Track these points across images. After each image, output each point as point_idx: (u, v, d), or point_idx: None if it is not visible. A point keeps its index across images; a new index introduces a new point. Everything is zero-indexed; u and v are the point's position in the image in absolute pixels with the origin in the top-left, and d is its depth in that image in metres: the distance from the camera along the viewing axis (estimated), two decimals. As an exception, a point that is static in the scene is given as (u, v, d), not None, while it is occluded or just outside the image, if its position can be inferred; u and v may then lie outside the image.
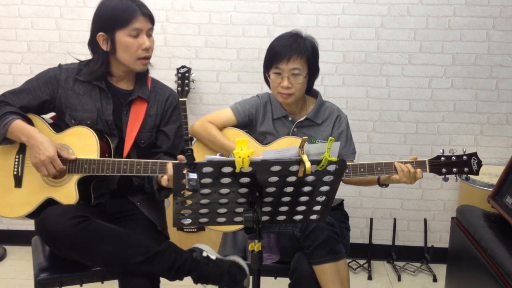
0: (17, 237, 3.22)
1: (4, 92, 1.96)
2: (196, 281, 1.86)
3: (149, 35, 1.92)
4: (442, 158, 1.91)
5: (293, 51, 1.93)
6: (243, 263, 1.87)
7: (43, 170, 1.82)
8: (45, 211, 1.79)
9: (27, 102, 1.94)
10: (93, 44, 1.94)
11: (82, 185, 1.89)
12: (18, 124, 1.86)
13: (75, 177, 1.87)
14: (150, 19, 1.92)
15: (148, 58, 1.93)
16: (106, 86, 1.96)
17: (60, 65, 2.00)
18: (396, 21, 2.96)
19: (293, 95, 1.99)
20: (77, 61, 2.03)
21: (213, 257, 1.88)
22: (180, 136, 2.09)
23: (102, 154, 1.88)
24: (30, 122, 1.93)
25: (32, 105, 1.95)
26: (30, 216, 1.92)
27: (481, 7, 2.91)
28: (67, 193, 1.87)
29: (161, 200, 2.04)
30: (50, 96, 1.96)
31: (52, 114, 2.06)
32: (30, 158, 1.85)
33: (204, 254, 1.88)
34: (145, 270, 1.78)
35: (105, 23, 1.88)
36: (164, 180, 1.82)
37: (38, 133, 1.85)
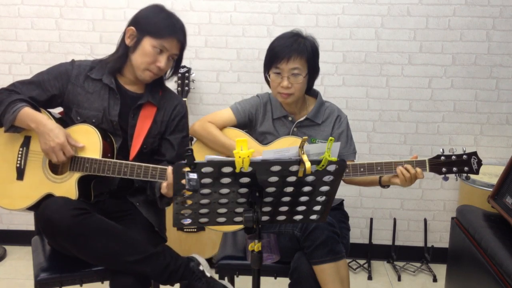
0: (17, 237, 3.22)
1: (14, 82, 1.96)
2: None
3: (171, 59, 1.95)
4: (442, 158, 1.91)
5: (293, 51, 1.93)
6: None
7: (53, 157, 1.84)
8: (47, 200, 1.81)
9: (36, 94, 1.95)
10: (123, 37, 1.98)
11: (83, 183, 1.90)
12: (27, 111, 1.87)
13: (76, 175, 1.88)
14: (181, 47, 1.95)
15: (156, 75, 1.94)
16: (115, 87, 1.97)
17: (73, 61, 2.01)
18: (396, 21, 2.96)
19: (292, 95, 1.99)
20: (91, 59, 2.04)
21: (208, 274, 1.88)
22: (185, 146, 2.08)
23: (104, 154, 1.88)
24: (38, 110, 1.93)
25: (40, 97, 1.95)
26: (30, 208, 1.94)
27: (481, 7, 2.91)
28: (67, 190, 1.88)
29: (162, 208, 2.03)
30: (59, 90, 1.96)
31: (60, 109, 2.06)
32: (40, 145, 1.86)
33: (201, 268, 1.88)
34: (138, 270, 1.78)
35: (145, 23, 1.91)
36: (163, 188, 1.82)
37: (48, 120, 1.86)
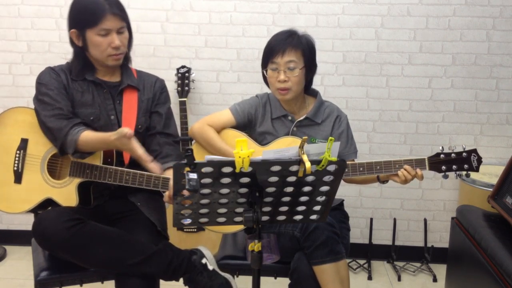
0: (17, 237, 3.22)
1: (47, 114, 1.88)
2: (185, 283, 1.87)
3: (120, 32, 1.92)
4: (442, 156, 1.91)
5: (288, 44, 1.97)
6: (234, 285, 1.89)
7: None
8: (40, 214, 1.80)
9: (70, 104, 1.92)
10: (71, 40, 1.97)
11: (82, 187, 1.90)
12: (87, 135, 1.82)
13: (76, 181, 1.87)
14: (122, 17, 1.91)
15: (119, 54, 1.94)
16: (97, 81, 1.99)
17: (50, 68, 1.98)
18: (396, 21, 2.96)
19: (290, 90, 2.00)
20: (63, 63, 2.03)
21: (210, 267, 1.88)
22: (171, 116, 2.12)
23: (105, 159, 1.88)
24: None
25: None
26: (29, 211, 1.94)
27: (481, 7, 2.91)
28: (67, 195, 1.87)
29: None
30: (67, 98, 1.94)
31: None
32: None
33: (203, 261, 1.88)
34: (142, 271, 1.78)
35: (77, 21, 1.91)
36: (166, 197, 1.83)
37: (107, 134, 1.80)
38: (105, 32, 1.88)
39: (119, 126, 1.98)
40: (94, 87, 1.98)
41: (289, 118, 2.09)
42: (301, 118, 2.09)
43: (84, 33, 1.90)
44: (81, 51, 1.96)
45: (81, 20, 1.90)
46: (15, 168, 1.94)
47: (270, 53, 1.99)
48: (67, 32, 1.95)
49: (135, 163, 1.97)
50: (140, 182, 1.84)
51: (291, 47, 1.96)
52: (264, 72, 2.04)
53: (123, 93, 2.03)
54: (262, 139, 2.10)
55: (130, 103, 2.02)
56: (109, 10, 1.87)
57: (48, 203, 1.92)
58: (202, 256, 1.90)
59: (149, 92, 2.08)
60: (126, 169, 1.85)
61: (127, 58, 2.06)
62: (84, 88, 1.97)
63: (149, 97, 2.07)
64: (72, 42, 1.97)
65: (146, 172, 1.84)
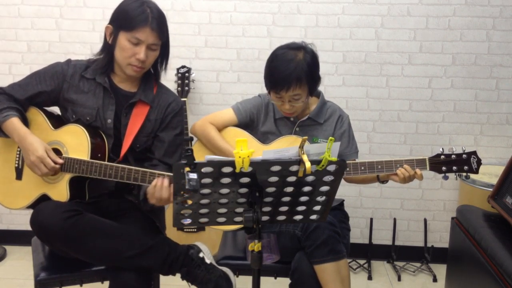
0: (17, 237, 3.22)
1: (13, 84, 1.96)
2: (183, 277, 1.86)
3: (152, 49, 1.89)
4: (442, 157, 1.93)
5: (292, 81, 1.90)
6: (232, 278, 1.89)
7: (36, 170, 1.84)
8: (39, 205, 1.81)
9: (33, 93, 1.94)
10: (105, 33, 1.95)
11: (76, 183, 1.89)
12: (13, 122, 1.86)
13: (67, 176, 1.88)
14: (159, 35, 1.87)
15: (140, 68, 1.90)
16: (109, 86, 1.95)
17: (69, 60, 2.00)
18: (396, 21, 2.96)
19: (295, 112, 2.03)
20: (86, 59, 2.03)
21: (208, 261, 1.87)
22: (178, 145, 2.04)
23: (93, 155, 1.87)
24: (26, 120, 1.94)
25: (38, 97, 1.95)
26: (29, 207, 1.95)
27: (481, 7, 2.91)
28: (60, 191, 1.88)
29: (145, 210, 1.98)
30: (54, 89, 1.95)
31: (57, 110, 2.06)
32: (25, 160, 1.87)
33: (201, 255, 1.88)
34: (138, 264, 1.78)
35: (116, 18, 1.89)
36: (147, 192, 1.80)
37: (29, 135, 1.85)
38: (137, 41, 1.84)
39: (118, 135, 1.96)
40: (101, 89, 1.95)
41: (291, 118, 2.09)
42: (304, 118, 2.09)
43: (118, 33, 1.87)
44: (109, 49, 1.92)
45: (120, 20, 1.86)
46: (16, 165, 1.96)
47: (274, 85, 1.94)
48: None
49: (128, 160, 1.97)
50: (122, 176, 1.81)
51: (295, 83, 1.90)
52: (268, 93, 2.03)
53: (134, 107, 1.97)
54: (264, 139, 2.11)
55: (137, 119, 1.96)
56: (149, 23, 1.84)
57: (44, 199, 1.92)
58: (199, 250, 1.89)
59: (161, 112, 2.00)
60: (109, 164, 1.83)
61: (154, 73, 2.01)
62: (91, 89, 1.95)
63: (158, 118, 2.00)
64: (105, 36, 1.94)
65: (127, 166, 1.81)
